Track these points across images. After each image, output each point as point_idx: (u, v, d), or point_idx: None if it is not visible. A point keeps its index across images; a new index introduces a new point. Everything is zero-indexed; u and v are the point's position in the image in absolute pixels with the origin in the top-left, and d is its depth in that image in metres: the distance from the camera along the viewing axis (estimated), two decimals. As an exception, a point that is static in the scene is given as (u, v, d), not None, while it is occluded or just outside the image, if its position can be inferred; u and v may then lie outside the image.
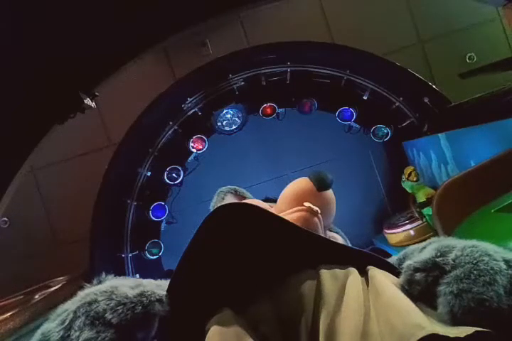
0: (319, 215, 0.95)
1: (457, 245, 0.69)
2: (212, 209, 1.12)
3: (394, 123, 4.67)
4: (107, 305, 0.65)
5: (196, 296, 0.72)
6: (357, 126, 4.86)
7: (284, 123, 4.80)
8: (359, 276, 0.69)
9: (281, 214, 0.94)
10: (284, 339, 0.63)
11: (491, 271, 0.62)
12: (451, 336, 0.53)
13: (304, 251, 0.75)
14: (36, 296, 3.07)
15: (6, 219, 3.98)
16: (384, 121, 4.66)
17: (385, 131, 4.67)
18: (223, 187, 1.23)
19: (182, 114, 4.49)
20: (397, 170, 4.89)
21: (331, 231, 1.14)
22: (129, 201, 4.36)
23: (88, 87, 2.64)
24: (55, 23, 2.22)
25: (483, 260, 0.64)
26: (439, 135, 3.68)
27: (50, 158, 4.24)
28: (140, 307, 0.66)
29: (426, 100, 4.25)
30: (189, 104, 4.47)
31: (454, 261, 0.66)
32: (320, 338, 0.59)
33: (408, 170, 4.12)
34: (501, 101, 2.95)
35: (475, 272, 0.62)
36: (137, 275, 4.31)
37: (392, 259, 0.81)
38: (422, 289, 0.66)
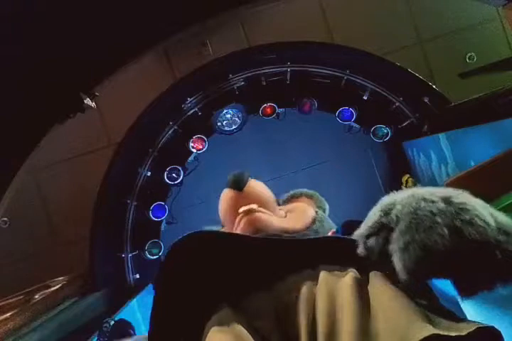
0: (259, 209, 0.95)
1: (398, 199, 0.68)
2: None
3: (394, 123, 4.67)
4: None
5: (194, 298, 0.72)
6: (357, 126, 4.86)
7: (284, 123, 4.80)
8: (359, 276, 0.69)
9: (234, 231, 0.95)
10: (284, 338, 0.63)
11: (430, 215, 0.60)
12: (453, 335, 0.53)
13: (299, 252, 0.75)
14: (36, 296, 3.07)
15: (6, 219, 3.97)
16: (384, 121, 4.66)
17: (385, 131, 4.67)
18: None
19: (182, 114, 4.49)
20: (397, 170, 4.89)
21: (294, 199, 1.13)
22: (129, 201, 4.37)
23: (88, 87, 2.64)
24: (55, 23, 2.22)
25: (420, 206, 0.62)
26: (439, 135, 3.68)
27: (50, 158, 4.24)
28: None
29: (426, 100, 4.25)
30: (189, 104, 4.47)
31: (396, 216, 0.64)
32: (320, 338, 0.59)
33: (404, 178, 4.15)
34: (501, 101, 2.95)
35: (414, 221, 0.61)
36: (137, 276, 4.32)
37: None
38: (378, 254, 0.64)
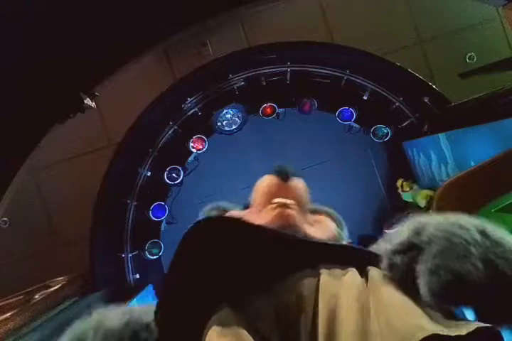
0: (293, 206, 0.95)
1: (431, 222, 0.68)
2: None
3: (394, 123, 4.67)
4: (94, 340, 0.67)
5: (195, 297, 0.72)
6: (357, 126, 4.86)
7: (284, 123, 4.80)
8: (359, 276, 0.69)
9: (259, 216, 0.95)
10: (284, 338, 0.62)
11: (465, 243, 0.60)
12: (452, 334, 0.52)
13: (301, 251, 0.75)
14: (36, 296, 3.07)
15: (6, 219, 3.97)
16: (384, 121, 4.66)
17: (385, 131, 4.67)
18: (207, 206, 1.24)
19: (182, 114, 4.49)
20: (397, 170, 4.89)
21: (317, 213, 1.13)
22: (129, 201, 4.37)
23: (88, 87, 2.64)
24: (55, 23, 2.22)
25: (455, 232, 0.62)
26: (439, 135, 3.68)
27: (50, 158, 4.24)
28: (127, 338, 0.68)
29: (426, 100, 4.25)
30: (189, 104, 4.47)
31: (428, 237, 0.64)
32: (320, 338, 0.59)
33: (399, 182, 4.16)
34: (501, 101, 2.95)
35: (449, 246, 0.61)
36: (137, 276, 4.31)
37: (380, 247, 0.80)
38: (402, 271, 0.64)
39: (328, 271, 0.69)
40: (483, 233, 0.62)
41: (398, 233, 0.73)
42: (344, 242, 1.07)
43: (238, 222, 0.77)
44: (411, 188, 4.08)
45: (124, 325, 0.70)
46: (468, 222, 0.65)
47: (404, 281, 0.64)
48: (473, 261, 0.58)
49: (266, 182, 1.02)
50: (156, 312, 0.73)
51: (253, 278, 0.71)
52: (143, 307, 0.82)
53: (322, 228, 1.03)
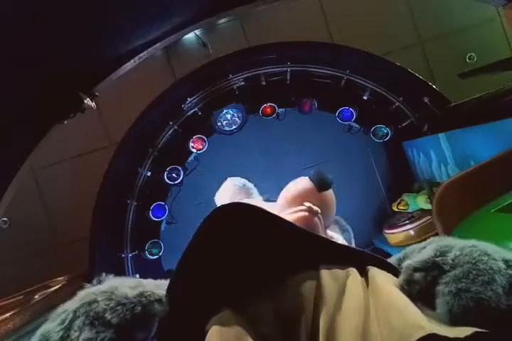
0: (319, 215, 0.96)
1: (456, 245, 0.69)
2: (215, 200, 1.12)
3: (394, 123, 4.66)
4: (107, 305, 0.65)
5: (196, 295, 0.72)
6: (357, 126, 4.86)
7: (284, 123, 4.80)
8: (359, 277, 0.69)
9: (282, 214, 0.95)
10: (284, 339, 0.62)
11: (490, 271, 0.62)
12: (451, 336, 0.53)
13: (305, 251, 0.75)
14: (36, 296, 3.07)
15: (6, 219, 3.97)
16: (384, 121, 4.66)
17: (385, 131, 4.67)
18: (233, 179, 1.25)
19: (182, 114, 4.49)
20: (397, 170, 4.89)
21: (331, 230, 1.14)
22: (129, 201, 4.36)
23: (88, 87, 2.64)
24: (55, 23, 2.22)
25: (482, 259, 0.64)
26: (439, 135, 3.68)
27: (50, 158, 4.24)
28: (139, 308, 0.66)
29: (426, 100, 4.25)
30: (189, 104, 4.47)
31: (453, 260, 0.66)
32: (320, 338, 0.59)
33: (394, 206, 4.23)
34: (501, 101, 2.95)
35: (474, 272, 0.62)
36: (137, 276, 4.31)
37: (392, 259, 0.82)
38: (421, 289, 0.66)
39: (329, 271, 0.69)
40: (508, 263, 0.64)
41: (420, 250, 0.74)
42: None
43: (257, 210, 0.77)
44: (407, 205, 4.12)
45: (138, 294, 0.70)
46: (495, 251, 0.66)
47: (421, 298, 0.66)
48: (495, 289, 0.60)
49: (302, 186, 1.03)
50: (167, 292, 0.73)
51: (253, 278, 0.71)
52: (155, 281, 0.82)
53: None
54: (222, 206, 0.76)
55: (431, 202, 3.49)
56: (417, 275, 0.67)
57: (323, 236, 1.00)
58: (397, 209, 4.26)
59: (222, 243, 0.72)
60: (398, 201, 4.26)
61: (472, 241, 0.70)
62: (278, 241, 0.74)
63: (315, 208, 0.96)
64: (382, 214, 4.98)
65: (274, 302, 0.68)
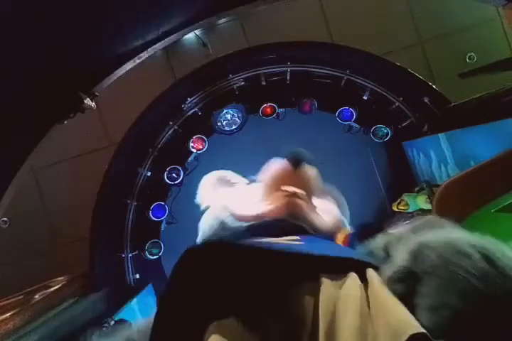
0: (303, 196, 0.94)
1: (432, 244, 0.62)
2: (198, 200, 1.08)
3: (394, 123, 4.66)
4: None
5: (192, 314, 0.70)
6: (357, 126, 4.86)
7: (284, 123, 4.80)
8: (358, 280, 0.68)
9: (264, 203, 0.94)
10: None
11: (467, 276, 0.55)
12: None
13: (298, 266, 0.73)
14: (36, 296, 3.07)
15: (6, 219, 3.97)
16: (384, 121, 4.66)
17: (385, 131, 4.67)
18: (208, 175, 1.22)
19: (182, 114, 4.49)
20: (397, 170, 4.89)
21: (322, 196, 1.13)
22: (129, 201, 4.37)
23: (88, 87, 2.64)
24: (55, 23, 2.22)
25: (456, 262, 0.57)
26: (439, 135, 3.68)
27: (50, 158, 4.24)
28: None
29: (426, 100, 4.25)
30: (189, 104, 4.47)
31: (428, 267, 0.59)
32: (320, 339, 0.59)
33: (394, 206, 4.21)
34: (501, 101, 2.95)
35: (449, 279, 0.56)
36: (137, 276, 4.31)
37: (378, 246, 0.75)
38: (402, 298, 0.60)
39: (328, 280, 0.68)
40: (488, 259, 0.56)
41: (398, 242, 0.68)
42: (346, 228, 1.06)
43: (229, 246, 0.71)
44: (408, 204, 4.12)
45: None
46: (468, 244, 0.59)
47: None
48: (475, 299, 0.53)
49: (276, 167, 1.01)
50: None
51: (250, 299, 0.69)
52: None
53: (327, 215, 1.02)
54: (187, 252, 0.73)
55: (431, 202, 3.49)
56: (398, 288, 0.61)
57: (314, 211, 0.98)
58: (397, 209, 4.26)
59: (200, 282, 0.69)
60: (398, 201, 4.26)
61: (449, 237, 0.63)
62: (263, 264, 0.71)
63: (296, 191, 0.94)
64: (382, 214, 4.98)
65: (276, 316, 0.67)
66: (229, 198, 1.08)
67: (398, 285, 0.62)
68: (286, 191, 0.95)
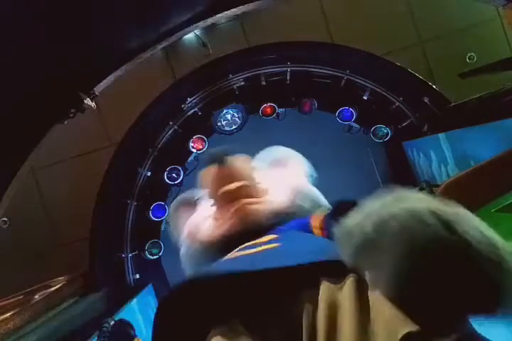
0: (246, 188, 0.93)
1: (393, 212, 0.59)
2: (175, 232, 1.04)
3: (394, 123, 4.66)
4: None
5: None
6: (357, 126, 4.86)
7: (284, 123, 4.80)
8: (357, 280, 0.68)
9: (217, 224, 0.92)
10: None
11: (427, 244, 0.53)
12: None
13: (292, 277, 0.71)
14: (36, 296, 3.08)
15: (6, 219, 3.97)
16: (384, 121, 4.66)
17: (385, 131, 4.67)
18: (172, 204, 1.18)
19: (182, 114, 4.50)
20: (397, 170, 4.89)
21: (280, 165, 1.11)
22: (129, 201, 4.37)
23: (88, 87, 2.64)
24: (55, 23, 2.22)
25: (415, 230, 0.55)
26: (439, 135, 3.68)
27: (50, 158, 4.24)
28: None
29: (426, 100, 4.25)
30: (189, 104, 4.47)
31: (390, 236, 0.57)
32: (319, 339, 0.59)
33: None
34: (501, 101, 2.95)
35: (410, 255, 0.54)
36: (137, 276, 4.32)
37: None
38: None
39: (328, 282, 0.68)
40: (448, 226, 0.55)
41: (358, 224, 0.66)
42: (314, 199, 1.01)
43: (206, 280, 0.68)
44: None
45: None
46: (431, 213, 0.56)
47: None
48: (429, 261, 0.53)
49: (206, 175, 0.98)
50: None
51: (250, 306, 0.69)
52: None
53: (280, 194, 0.98)
54: (163, 302, 0.70)
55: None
56: (362, 260, 0.61)
57: (271, 206, 0.93)
58: None
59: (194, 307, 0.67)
60: None
61: (405, 198, 0.61)
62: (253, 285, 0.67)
63: (234, 186, 0.91)
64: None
65: (278, 321, 0.67)
66: (193, 226, 1.04)
67: (363, 257, 0.61)
68: (224, 193, 0.92)
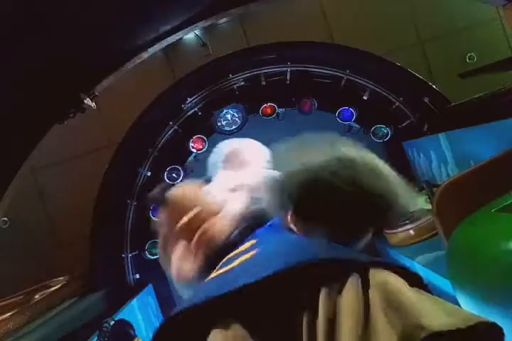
0: (199, 215, 0.93)
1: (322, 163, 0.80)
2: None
3: (394, 123, 4.66)
4: None
5: None
6: (357, 126, 4.85)
7: (284, 123, 4.80)
8: (359, 279, 0.68)
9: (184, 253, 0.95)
10: None
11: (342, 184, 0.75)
12: (453, 328, 0.52)
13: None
14: (36, 296, 3.07)
15: (6, 219, 3.97)
16: (384, 121, 4.66)
17: (385, 131, 4.66)
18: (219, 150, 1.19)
19: (182, 114, 4.49)
20: (397, 170, 4.88)
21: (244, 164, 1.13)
22: (129, 201, 4.36)
23: (88, 87, 2.64)
24: (55, 23, 2.22)
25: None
26: (439, 135, 3.68)
27: (50, 158, 4.24)
28: None
29: (426, 100, 4.25)
30: (189, 104, 4.47)
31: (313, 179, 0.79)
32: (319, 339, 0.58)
33: None
34: (501, 101, 2.95)
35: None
36: (137, 276, 4.32)
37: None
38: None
39: (329, 282, 0.67)
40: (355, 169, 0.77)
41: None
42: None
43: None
44: None
45: None
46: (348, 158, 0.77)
47: None
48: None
49: (159, 221, 1.00)
50: None
51: (250, 309, 0.68)
52: None
53: (240, 195, 0.99)
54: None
55: (431, 202, 3.49)
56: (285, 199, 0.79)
57: (223, 216, 0.95)
58: None
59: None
60: None
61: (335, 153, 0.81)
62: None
63: (189, 217, 0.92)
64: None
65: (277, 323, 0.66)
66: (175, 265, 1.05)
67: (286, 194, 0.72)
68: (186, 228, 0.92)
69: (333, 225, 0.71)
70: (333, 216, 0.72)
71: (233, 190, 1.03)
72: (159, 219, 0.99)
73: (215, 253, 0.89)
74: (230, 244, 0.88)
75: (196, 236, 0.92)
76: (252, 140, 1.26)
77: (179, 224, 0.93)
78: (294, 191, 0.72)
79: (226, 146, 1.26)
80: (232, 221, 0.94)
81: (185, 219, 0.93)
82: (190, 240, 0.94)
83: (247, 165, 1.15)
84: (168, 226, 0.97)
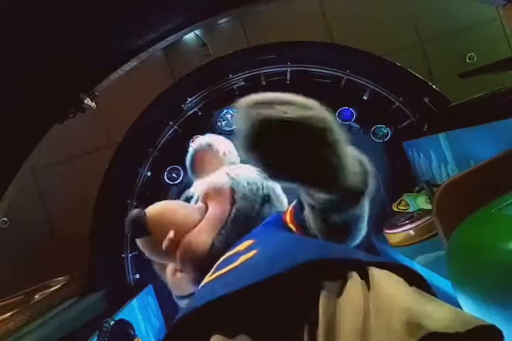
0: (179, 232, 0.94)
1: None
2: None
3: (394, 123, 4.66)
4: None
5: None
6: (357, 126, 4.86)
7: (284, 123, 4.80)
8: (359, 279, 0.67)
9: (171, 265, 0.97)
10: None
11: None
12: (452, 331, 0.52)
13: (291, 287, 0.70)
14: (36, 296, 3.07)
15: (6, 219, 3.97)
16: (384, 121, 4.66)
17: (385, 131, 4.67)
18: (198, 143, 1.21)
19: (182, 114, 4.49)
20: (397, 170, 4.89)
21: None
22: (129, 201, 4.36)
23: (88, 87, 2.64)
24: (55, 23, 2.22)
25: None
26: (439, 135, 3.68)
27: (50, 158, 4.24)
28: None
29: (426, 100, 4.25)
30: (189, 104, 4.47)
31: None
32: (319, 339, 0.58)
33: (394, 206, 4.19)
34: (501, 101, 2.95)
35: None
36: (137, 276, 4.31)
37: None
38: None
39: (329, 282, 0.67)
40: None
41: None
42: (255, 189, 1.07)
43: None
44: (408, 204, 4.10)
45: None
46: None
47: None
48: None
49: (143, 247, 0.99)
50: None
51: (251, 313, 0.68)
52: None
53: (213, 205, 1.01)
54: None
55: (431, 202, 3.49)
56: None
57: (203, 225, 0.96)
58: (397, 209, 4.25)
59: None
60: (398, 201, 4.25)
61: None
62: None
63: (167, 241, 0.93)
64: (382, 214, 4.97)
65: (277, 324, 0.66)
66: (171, 284, 1.07)
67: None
68: (170, 247, 0.93)
69: (292, 171, 0.72)
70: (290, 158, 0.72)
71: (204, 198, 1.05)
72: (141, 244, 0.99)
73: (203, 264, 0.90)
74: (216, 250, 0.90)
75: (178, 253, 0.93)
76: (215, 135, 1.30)
77: (163, 244, 0.94)
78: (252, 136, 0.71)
79: (189, 155, 1.31)
80: (213, 229, 0.95)
81: (166, 239, 0.94)
82: (175, 257, 0.95)
83: (212, 168, 1.17)
84: (153, 251, 0.98)
